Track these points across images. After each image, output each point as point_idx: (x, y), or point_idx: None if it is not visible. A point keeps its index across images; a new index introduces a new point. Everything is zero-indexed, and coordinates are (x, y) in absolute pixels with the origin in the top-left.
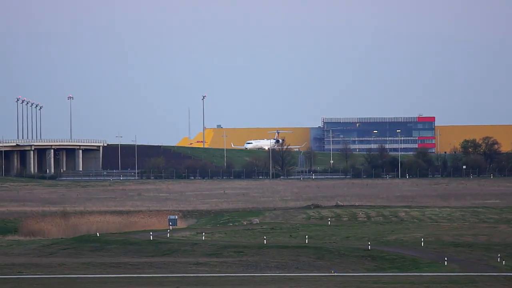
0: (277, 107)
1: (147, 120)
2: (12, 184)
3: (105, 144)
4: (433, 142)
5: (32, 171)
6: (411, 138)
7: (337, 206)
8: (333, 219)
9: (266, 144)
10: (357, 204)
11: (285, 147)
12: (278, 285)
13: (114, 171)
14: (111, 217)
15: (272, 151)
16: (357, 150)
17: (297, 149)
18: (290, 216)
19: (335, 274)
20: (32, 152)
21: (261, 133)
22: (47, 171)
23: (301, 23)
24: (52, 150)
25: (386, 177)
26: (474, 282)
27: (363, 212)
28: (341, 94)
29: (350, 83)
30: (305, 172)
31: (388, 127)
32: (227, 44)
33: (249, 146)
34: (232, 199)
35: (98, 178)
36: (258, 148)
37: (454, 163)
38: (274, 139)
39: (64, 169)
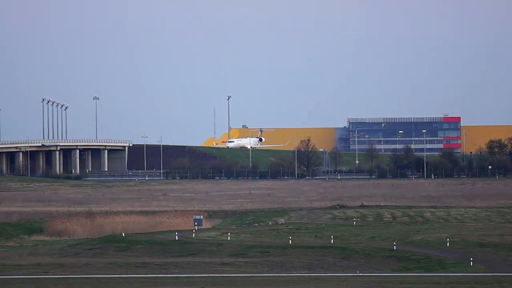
0: (302, 108)
1: (172, 120)
2: (37, 184)
3: (130, 144)
4: (459, 142)
5: (58, 171)
6: (436, 138)
7: (362, 206)
8: (359, 219)
9: (249, 142)
10: (382, 204)
11: (311, 147)
12: (304, 285)
13: (140, 171)
14: (137, 217)
15: (298, 151)
16: (383, 150)
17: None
18: (315, 216)
19: (361, 274)
20: (57, 152)
21: (285, 133)
22: (73, 171)
23: (324, 24)
24: (78, 150)
25: (412, 177)
26: (500, 283)
27: (389, 212)
28: (367, 94)
29: (376, 83)
30: (331, 172)
31: (413, 127)
32: (252, 44)
33: (230, 145)
34: (258, 199)
35: (124, 178)
36: (240, 147)
37: (479, 163)
38: (257, 137)
39: (90, 169)
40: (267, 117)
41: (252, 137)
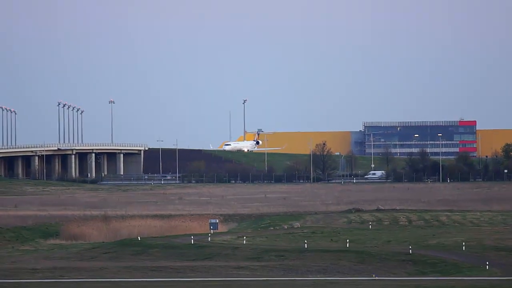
0: (318, 111)
1: (188, 124)
2: (53, 188)
3: (146, 148)
4: (474, 146)
5: (74, 175)
6: (452, 142)
7: (378, 210)
8: (374, 223)
9: (246, 145)
10: (398, 208)
11: (327, 151)
12: None
13: (155, 175)
14: (152, 221)
15: (313, 155)
16: (398, 154)
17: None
18: (331, 220)
19: (376, 278)
20: (73, 156)
21: (302, 137)
22: (88, 175)
23: (341, 26)
24: (93, 154)
25: (427, 181)
26: None
27: (404, 216)
28: (382, 98)
29: (391, 86)
30: (346, 176)
31: (429, 131)
32: (267, 47)
33: (227, 148)
34: (273, 203)
35: (139, 182)
36: (237, 150)
37: (495, 167)
38: (254, 140)
39: (105, 173)
40: (282, 121)
41: (267, 140)
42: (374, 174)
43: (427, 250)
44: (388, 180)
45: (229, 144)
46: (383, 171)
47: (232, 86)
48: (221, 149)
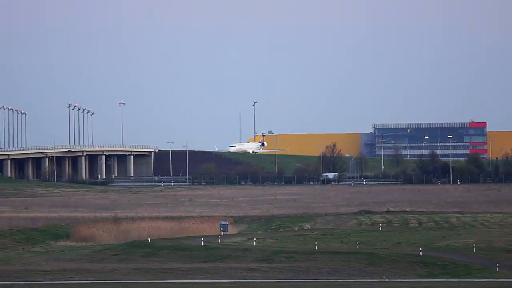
0: (328, 113)
1: (198, 126)
2: (64, 189)
3: (156, 150)
4: (485, 147)
5: (84, 177)
6: (462, 143)
7: (388, 212)
8: (384, 225)
9: (251, 147)
10: (408, 210)
11: (337, 152)
12: None
13: (165, 176)
14: (162, 222)
15: (324, 156)
16: (408, 156)
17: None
18: (341, 222)
19: (387, 280)
20: (83, 157)
21: (311, 139)
22: (99, 177)
23: (350, 28)
24: (104, 156)
25: (438, 182)
26: None
27: (415, 218)
28: (392, 100)
29: (401, 88)
30: (356, 177)
31: (439, 132)
32: (278, 49)
33: (232, 149)
34: (283, 204)
35: (150, 184)
36: (242, 151)
37: (506, 168)
38: (259, 142)
39: (116, 175)
40: (293, 123)
41: (278, 142)
42: (326, 176)
43: (437, 252)
44: (398, 182)
45: (234, 146)
46: (335, 173)
47: (242, 88)
48: (226, 150)
